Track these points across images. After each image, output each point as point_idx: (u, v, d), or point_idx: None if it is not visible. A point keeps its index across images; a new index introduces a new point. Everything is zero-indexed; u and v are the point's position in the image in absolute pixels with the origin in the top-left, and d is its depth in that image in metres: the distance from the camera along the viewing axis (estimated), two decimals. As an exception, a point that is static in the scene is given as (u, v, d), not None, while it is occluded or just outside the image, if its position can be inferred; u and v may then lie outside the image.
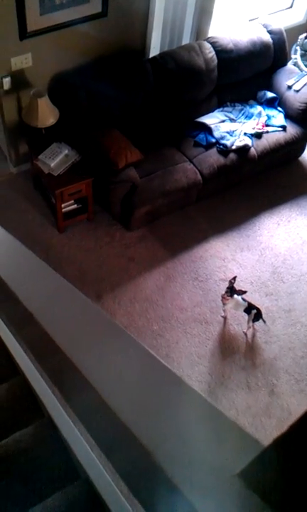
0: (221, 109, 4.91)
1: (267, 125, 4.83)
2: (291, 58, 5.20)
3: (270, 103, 4.96)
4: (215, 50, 4.61)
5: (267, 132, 4.78)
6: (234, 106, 4.95)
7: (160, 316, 4.11)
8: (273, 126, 4.83)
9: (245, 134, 4.69)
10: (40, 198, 4.65)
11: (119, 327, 1.34)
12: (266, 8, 5.19)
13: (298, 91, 4.87)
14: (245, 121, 4.83)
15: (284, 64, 5.10)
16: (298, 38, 5.17)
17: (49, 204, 4.55)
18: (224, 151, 4.57)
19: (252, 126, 4.78)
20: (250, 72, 4.90)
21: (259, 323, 4.06)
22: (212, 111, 4.88)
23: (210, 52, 4.57)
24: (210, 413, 1.04)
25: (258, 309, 3.95)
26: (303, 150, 5.27)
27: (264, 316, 4.02)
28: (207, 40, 4.66)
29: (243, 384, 3.83)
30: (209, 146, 4.60)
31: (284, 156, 5.09)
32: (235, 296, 3.90)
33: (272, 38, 4.86)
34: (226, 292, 3.89)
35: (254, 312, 3.94)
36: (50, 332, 1.25)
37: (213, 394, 3.78)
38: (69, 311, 1.40)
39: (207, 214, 4.78)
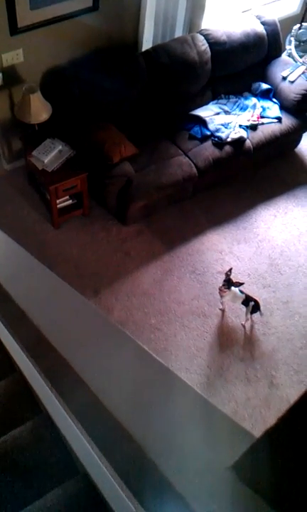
0: (215, 101, 4.90)
1: (262, 117, 4.81)
2: (285, 49, 5.17)
3: (265, 94, 4.94)
4: (208, 43, 4.59)
5: (262, 124, 4.77)
6: (229, 98, 4.94)
7: (157, 309, 4.11)
8: (268, 117, 4.82)
9: (240, 126, 4.68)
10: (34, 194, 4.64)
11: (112, 324, 1.34)
12: (259, -1, 5.17)
13: (292, 82, 4.85)
14: (240, 113, 4.82)
15: (279, 55, 5.08)
16: (292, 29, 5.14)
17: (44, 200, 4.54)
18: (220, 143, 4.55)
19: (247, 118, 4.76)
20: (244, 64, 4.88)
21: (256, 315, 4.06)
22: (207, 103, 4.87)
23: (203, 45, 4.55)
24: (204, 407, 1.04)
25: (256, 301, 3.95)
26: (298, 141, 5.26)
27: (261, 308, 4.02)
28: (200, 32, 4.64)
29: (242, 376, 3.84)
30: (204, 138, 4.59)
31: (280, 148, 5.08)
32: (233, 288, 3.90)
33: (266, 29, 4.84)
34: (223, 285, 3.89)
35: (251, 304, 3.94)
36: (43, 330, 1.25)
37: (212, 386, 3.78)
38: (62, 308, 1.39)
39: (204, 207, 4.77)
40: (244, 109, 4.85)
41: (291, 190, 5.01)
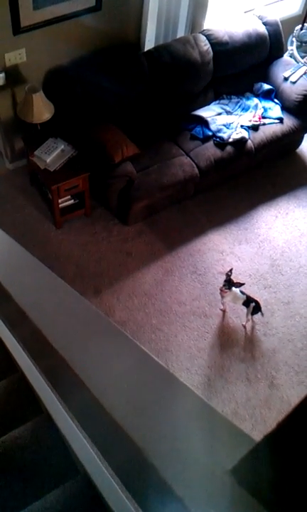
0: (217, 101, 4.90)
1: (264, 117, 4.81)
2: (287, 50, 5.17)
3: (266, 95, 4.94)
4: (210, 43, 4.59)
5: (264, 124, 4.77)
6: (231, 98, 4.94)
7: (158, 310, 4.12)
8: (269, 118, 4.81)
9: (242, 126, 4.68)
10: (36, 194, 4.65)
11: (113, 325, 1.34)
12: (262, 0, 5.16)
13: (294, 82, 4.85)
14: (242, 113, 4.82)
15: (280, 55, 5.07)
16: (294, 30, 5.14)
17: (46, 200, 4.55)
18: (221, 143, 4.55)
19: (249, 118, 4.76)
20: (246, 65, 4.88)
21: (257, 316, 4.07)
22: (209, 104, 4.87)
23: (205, 45, 4.55)
24: (203, 410, 1.04)
25: (257, 302, 3.95)
26: (300, 142, 5.26)
27: (262, 308, 4.02)
28: (202, 32, 4.64)
29: (242, 376, 3.84)
30: (205, 139, 4.59)
31: (281, 148, 5.08)
32: (233, 289, 3.90)
33: (268, 30, 4.84)
34: (224, 285, 3.89)
35: (252, 305, 3.94)
36: (43, 330, 1.25)
37: (213, 387, 3.79)
38: (62, 309, 1.40)
39: (205, 207, 4.77)
40: (245, 109, 4.85)
41: (292, 191, 5.01)
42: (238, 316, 4.12)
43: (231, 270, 3.91)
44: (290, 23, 5.20)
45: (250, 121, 4.74)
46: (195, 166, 4.46)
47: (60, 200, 4.29)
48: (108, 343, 1.26)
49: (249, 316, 4.03)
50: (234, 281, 3.89)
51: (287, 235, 4.68)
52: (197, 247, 4.52)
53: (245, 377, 3.84)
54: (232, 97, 4.94)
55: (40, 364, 1.66)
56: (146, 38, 4.52)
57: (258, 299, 3.98)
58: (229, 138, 4.56)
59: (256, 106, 4.84)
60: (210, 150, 4.54)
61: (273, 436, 0.78)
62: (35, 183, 4.65)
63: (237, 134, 4.59)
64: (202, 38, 4.57)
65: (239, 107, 4.87)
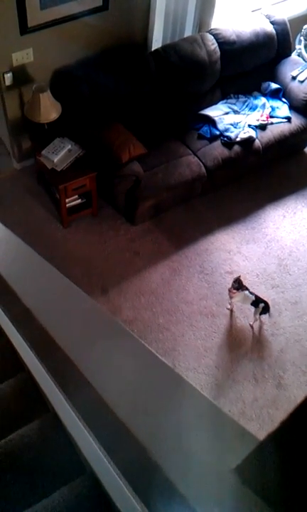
0: (225, 101, 4.89)
1: (271, 116, 4.80)
2: (295, 49, 5.16)
3: (274, 94, 4.93)
4: (218, 42, 4.58)
5: (272, 124, 4.76)
6: (238, 98, 4.93)
7: (165, 309, 4.12)
8: (277, 117, 4.80)
9: (249, 125, 4.67)
10: (44, 194, 4.66)
11: (119, 324, 1.34)
12: (269, -1, 5.15)
13: (302, 81, 4.83)
14: (249, 112, 4.81)
15: (288, 55, 5.06)
16: (302, 28, 5.13)
17: (53, 199, 4.56)
18: (229, 143, 4.55)
19: (256, 117, 4.75)
20: (253, 64, 4.87)
21: (264, 316, 4.06)
22: (216, 103, 4.86)
23: (213, 44, 4.55)
24: (209, 410, 1.04)
25: (266, 303, 3.95)
26: (308, 141, 5.24)
27: (270, 308, 4.01)
28: (210, 31, 4.63)
29: (250, 376, 3.83)
30: (213, 138, 4.58)
31: (289, 148, 5.06)
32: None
33: (275, 29, 4.82)
34: (232, 286, 3.90)
35: (261, 306, 3.93)
36: (49, 330, 1.25)
37: (220, 387, 3.78)
38: (69, 308, 1.40)
39: (212, 207, 4.77)
40: (253, 108, 4.84)
41: (300, 191, 4.99)
42: (245, 315, 4.12)
43: (239, 278, 3.91)
44: (298, 22, 5.19)
45: (258, 120, 4.73)
46: (202, 165, 4.46)
47: (67, 200, 4.30)
48: (114, 342, 1.26)
49: (257, 316, 4.02)
50: (243, 283, 3.90)
51: (295, 234, 4.67)
52: (205, 246, 4.51)
53: (252, 377, 3.83)
54: (240, 96, 4.93)
55: (47, 363, 1.66)
56: (153, 37, 4.52)
57: (266, 300, 3.98)
58: (237, 137, 4.55)
59: (263, 105, 4.83)
60: (218, 149, 4.53)
61: (277, 435, 0.78)
62: (42, 182, 4.66)
63: (244, 133, 4.58)
64: (210, 37, 4.57)
65: (247, 106, 4.86)
